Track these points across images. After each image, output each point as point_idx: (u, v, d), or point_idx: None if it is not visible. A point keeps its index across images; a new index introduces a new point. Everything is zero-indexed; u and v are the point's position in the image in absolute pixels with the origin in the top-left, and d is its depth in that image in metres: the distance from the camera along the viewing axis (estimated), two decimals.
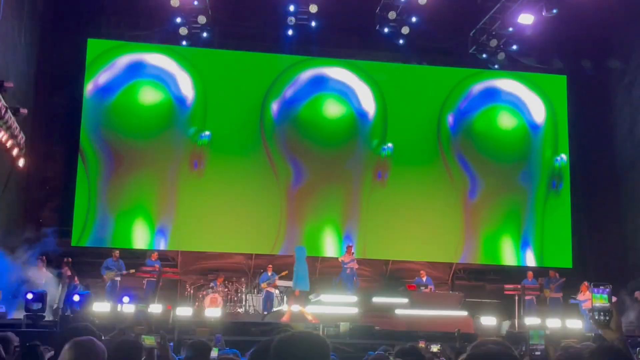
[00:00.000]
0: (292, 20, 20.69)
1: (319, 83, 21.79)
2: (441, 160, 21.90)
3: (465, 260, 21.76)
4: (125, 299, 14.82)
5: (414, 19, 20.79)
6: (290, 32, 21.21)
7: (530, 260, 21.74)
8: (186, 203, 20.54)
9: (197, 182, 20.73)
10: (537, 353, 3.41)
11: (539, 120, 22.57)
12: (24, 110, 12.81)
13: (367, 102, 21.88)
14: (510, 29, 21.00)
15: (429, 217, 21.38)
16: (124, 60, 20.88)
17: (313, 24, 20.85)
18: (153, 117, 20.87)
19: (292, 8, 20.46)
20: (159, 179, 20.67)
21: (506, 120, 22.46)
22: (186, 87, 21.10)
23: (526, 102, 22.59)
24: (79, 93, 20.23)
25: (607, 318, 3.36)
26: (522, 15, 20.30)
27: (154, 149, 20.76)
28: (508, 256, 21.79)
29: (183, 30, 20.49)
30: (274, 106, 21.48)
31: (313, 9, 20.14)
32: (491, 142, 22.20)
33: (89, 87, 20.47)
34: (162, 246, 20.22)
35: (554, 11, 19.64)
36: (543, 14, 19.87)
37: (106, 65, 20.71)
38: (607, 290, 3.41)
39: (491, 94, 22.56)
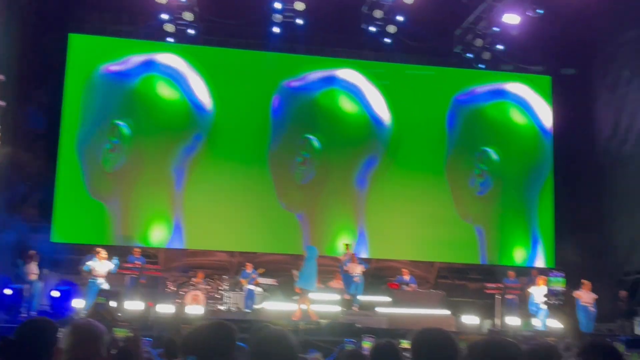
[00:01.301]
0: (278, 17, 20.62)
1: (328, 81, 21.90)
2: (428, 160, 21.88)
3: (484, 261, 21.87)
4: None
5: (400, 18, 20.76)
6: (276, 30, 21.13)
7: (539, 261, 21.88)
8: (173, 200, 20.49)
9: (188, 181, 20.66)
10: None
11: (548, 125, 22.67)
12: (2, 103, 12.73)
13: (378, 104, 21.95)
14: (496, 29, 21.02)
15: (412, 215, 21.36)
16: (134, 57, 20.86)
17: (299, 21, 20.78)
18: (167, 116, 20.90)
19: (278, 5, 20.37)
20: (148, 175, 20.58)
21: (515, 117, 22.64)
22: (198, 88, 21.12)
23: (533, 105, 22.73)
24: (60, 88, 20.08)
25: (561, 302, 3.39)
26: (507, 15, 20.35)
27: (153, 145, 20.68)
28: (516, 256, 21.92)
29: (169, 27, 20.37)
30: (275, 102, 21.45)
31: (299, 6, 20.09)
32: (497, 140, 22.31)
33: (102, 72, 20.57)
34: (142, 241, 20.15)
35: (539, 11, 19.69)
36: (528, 14, 19.92)
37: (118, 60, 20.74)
38: (562, 274, 3.43)
39: (497, 94, 22.66)
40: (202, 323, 3.12)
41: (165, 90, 20.87)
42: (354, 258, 18.02)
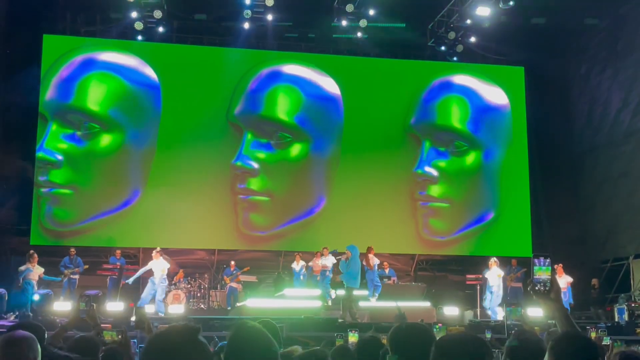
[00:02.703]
0: (248, 13, 20.51)
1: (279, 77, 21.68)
2: (405, 153, 21.91)
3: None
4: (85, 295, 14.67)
5: (371, 12, 20.75)
6: (246, 26, 21.04)
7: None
8: (146, 198, 20.32)
9: (158, 177, 20.48)
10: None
11: (503, 102, 22.70)
12: None
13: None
14: (468, 21, 21.12)
15: (391, 209, 21.39)
16: (79, 58, 20.47)
17: (269, 17, 20.72)
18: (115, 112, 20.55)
19: (248, 1, 20.24)
20: (119, 174, 20.40)
21: (464, 109, 22.54)
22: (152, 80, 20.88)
23: (484, 90, 22.67)
24: (35, 90, 19.82)
25: (547, 289, 3.37)
26: (479, 8, 20.44)
27: (114, 143, 20.47)
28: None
29: (139, 25, 20.24)
30: (241, 100, 21.27)
31: (269, 2, 19.97)
32: (452, 135, 22.29)
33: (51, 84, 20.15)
34: (122, 242, 19.96)
35: (510, 3, 19.80)
36: (500, 6, 20.03)
37: (66, 64, 20.36)
38: (549, 261, 3.42)
39: (450, 86, 22.58)
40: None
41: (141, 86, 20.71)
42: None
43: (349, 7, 20.54)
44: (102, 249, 19.90)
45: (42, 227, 19.63)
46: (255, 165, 20.79)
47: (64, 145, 19.89)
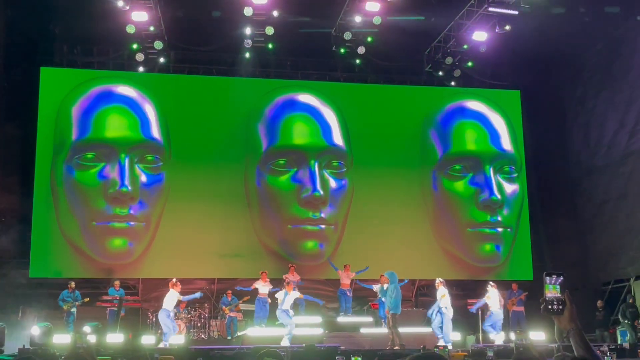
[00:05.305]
0: (248, 43, 20.68)
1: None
2: (406, 176, 21.94)
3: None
4: (86, 328, 14.66)
5: (369, 39, 20.92)
6: (247, 55, 21.21)
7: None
8: (150, 229, 20.30)
9: (165, 208, 20.49)
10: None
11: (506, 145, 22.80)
12: None
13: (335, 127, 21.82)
14: (465, 46, 21.26)
15: (394, 234, 21.35)
16: (94, 90, 20.50)
17: (270, 46, 20.88)
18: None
19: (248, 31, 20.45)
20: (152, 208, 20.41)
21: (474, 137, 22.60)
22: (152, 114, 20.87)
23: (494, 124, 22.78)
24: (32, 122, 19.85)
25: (561, 307, 3.24)
26: (475, 33, 20.59)
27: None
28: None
29: (140, 56, 20.35)
30: (256, 129, 21.33)
31: (269, 31, 20.16)
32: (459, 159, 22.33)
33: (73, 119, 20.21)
34: (121, 273, 19.88)
35: (507, 27, 19.94)
36: (496, 30, 20.17)
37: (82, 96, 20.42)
38: (560, 279, 3.30)
39: (461, 112, 22.69)
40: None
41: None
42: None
43: (347, 35, 20.73)
44: (100, 280, 19.87)
45: (90, 261, 19.66)
46: (327, 194, 20.93)
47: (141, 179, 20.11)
